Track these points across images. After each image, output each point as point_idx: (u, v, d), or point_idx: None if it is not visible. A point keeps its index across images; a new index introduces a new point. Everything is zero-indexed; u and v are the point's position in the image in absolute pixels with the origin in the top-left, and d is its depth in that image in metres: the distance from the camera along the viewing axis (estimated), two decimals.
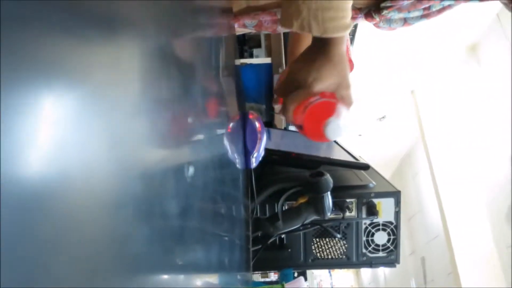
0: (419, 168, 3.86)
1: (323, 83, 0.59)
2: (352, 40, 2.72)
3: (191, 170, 0.24)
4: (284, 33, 1.43)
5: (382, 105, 3.52)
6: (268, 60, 1.41)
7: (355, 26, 2.84)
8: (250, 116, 0.76)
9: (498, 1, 0.68)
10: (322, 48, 0.60)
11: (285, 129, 1.49)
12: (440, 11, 0.73)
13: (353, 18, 0.75)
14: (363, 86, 3.26)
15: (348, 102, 0.61)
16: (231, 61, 0.65)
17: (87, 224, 0.11)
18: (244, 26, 0.85)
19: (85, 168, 0.11)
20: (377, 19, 0.73)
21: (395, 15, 0.73)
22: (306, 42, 0.94)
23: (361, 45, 2.83)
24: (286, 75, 0.63)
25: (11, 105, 0.08)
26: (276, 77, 1.34)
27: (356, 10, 0.74)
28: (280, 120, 1.49)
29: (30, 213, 0.08)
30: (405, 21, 0.76)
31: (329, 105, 0.58)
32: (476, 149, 2.77)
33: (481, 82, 2.63)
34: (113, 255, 0.13)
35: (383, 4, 0.70)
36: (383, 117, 3.72)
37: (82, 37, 0.12)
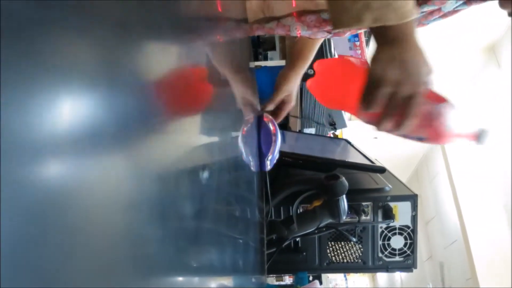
0: (437, 171, 3.80)
1: (425, 81, 0.57)
2: (367, 41, 2.70)
3: (206, 172, 0.24)
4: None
5: None
6: (282, 63, 1.41)
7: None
8: (265, 119, 0.76)
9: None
10: (402, 42, 0.57)
11: (300, 132, 1.49)
12: (456, 10, 0.72)
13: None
14: None
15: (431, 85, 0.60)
16: (246, 64, 0.65)
17: (104, 226, 0.11)
18: (258, 33, 0.86)
19: (102, 171, 0.11)
20: None
21: None
22: (309, 44, 0.96)
23: None
24: (368, 84, 0.60)
25: (27, 107, 0.08)
26: None
27: None
28: (294, 123, 1.49)
29: (46, 214, 0.08)
30: (419, 22, 0.76)
31: (445, 107, 0.58)
32: (495, 152, 2.71)
33: (499, 82, 2.58)
34: (129, 257, 0.13)
35: None
36: None
37: (101, 42, 0.12)
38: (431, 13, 0.70)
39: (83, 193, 0.10)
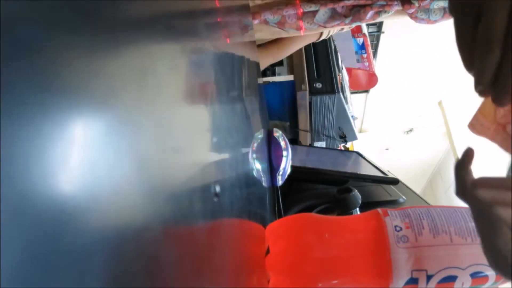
0: (451, 181, 3.74)
1: None
2: (375, 53, 2.70)
3: (217, 189, 0.24)
4: (305, 50, 1.43)
5: (409, 117, 3.46)
6: (290, 78, 1.42)
7: (377, 39, 2.82)
8: (275, 134, 0.76)
9: None
10: None
11: (310, 145, 1.48)
12: None
13: (389, 5, 0.65)
14: (388, 100, 3.22)
15: None
16: (254, 80, 0.65)
17: (116, 244, 0.11)
18: (266, 22, 0.76)
19: (114, 189, 0.11)
20: (416, 4, 0.62)
21: (435, 3, 0.63)
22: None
23: (385, 58, 2.80)
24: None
25: (42, 128, 0.08)
26: (300, 94, 1.34)
27: None
28: (305, 137, 1.48)
29: (62, 233, 0.08)
30: (445, 11, 0.65)
31: None
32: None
33: None
34: (142, 275, 0.13)
35: None
36: (411, 130, 3.65)
37: (111, 60, 0.12)
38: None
39: (99, 212, 0.10)
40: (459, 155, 0.39)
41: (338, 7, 0.67)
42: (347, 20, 0.68)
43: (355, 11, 0.66)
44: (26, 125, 0.08)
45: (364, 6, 0.65)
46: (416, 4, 0.63)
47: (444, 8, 0.65)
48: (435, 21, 0.67)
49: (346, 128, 1.51)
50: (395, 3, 0.65)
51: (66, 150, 0.09)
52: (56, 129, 0.09)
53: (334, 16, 0.69)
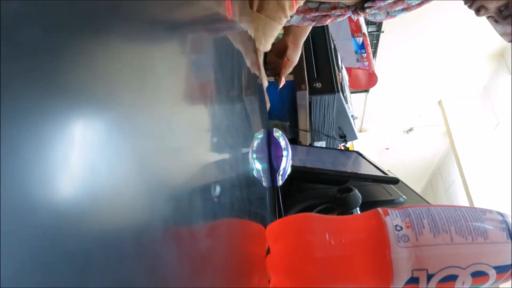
0: (451, 180, 3.75)
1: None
2: (374, 53, 2.70)
3: (217, 189, 0.24)
4: (305, 50, 1.43)
5: (409, 117, 3.46)
6: (290, 78, 1.42)
7: (377, 39, 2.82)
8: (275, 134, 0.76)
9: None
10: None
11: (310, 145, 1.48)
12: (419, 4, 0.80)
13: (343, 14, 0.87)
14: (388, 99, 3.22)
15: None
16: (254, 80, 0.65)
17: (117, 245, 0.11)
18: None
19: (115, 189, 0.11)
20: (362, 15, 0.84)
21: (377, 11, 0.84)
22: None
23: (385, 57, 2.80)
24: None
25: (43, 130, 0.08)
26: (299, 94, 1.34)
27: (345, 8, 0.86)
28: (304, 136, 1.48)
29: (62, 234, 0.08)
30: (388, 13, 0.86)
31: None
32: (510, 158, 2.66)
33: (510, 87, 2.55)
34: (143, 275, 0.13)
35: (366, 4, 0.82)
36: (411, 130, 3.65)
37: (112, 61, 0.12)
38: (395, 3, 0.79)
39: (99, 213, 0.10)
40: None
41: (308, 15, 0.93)
42: (313, 23, 0.93)
43: (319, 18, 0.92)
44: (26, 125, 0.08)
45: (325, 16, 0.90)
46: (362, 15, 0.84)
47: (387, 12, 0.85)
48: (381, 20, 0.88)
49: (346, 127, 1.51)
50: (348, 12, 0.86)
51: (66, 151, 0.09)
52: (56, 130, 0.09)
53: (305, 20, 0.94)
